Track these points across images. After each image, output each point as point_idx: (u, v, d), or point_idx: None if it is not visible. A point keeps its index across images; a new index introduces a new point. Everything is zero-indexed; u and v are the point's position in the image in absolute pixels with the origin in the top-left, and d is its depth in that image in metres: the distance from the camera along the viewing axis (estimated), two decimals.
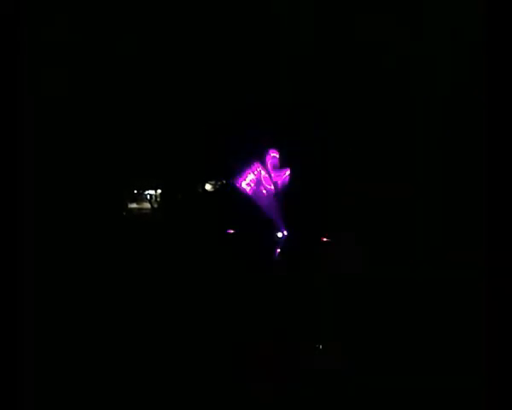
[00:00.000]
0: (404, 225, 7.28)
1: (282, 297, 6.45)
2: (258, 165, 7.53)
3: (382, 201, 7.54)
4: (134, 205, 8.37)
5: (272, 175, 7.66)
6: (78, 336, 5.42)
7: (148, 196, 8.41)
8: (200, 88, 7.70)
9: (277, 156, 7.71)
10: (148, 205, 8.29)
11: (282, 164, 7.80)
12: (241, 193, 7.56)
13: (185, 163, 8.13)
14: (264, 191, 7.60)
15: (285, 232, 7.51)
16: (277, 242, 7.48)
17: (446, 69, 7.26)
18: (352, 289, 6.43)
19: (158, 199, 8.44)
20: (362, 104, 7.65)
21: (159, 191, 8.42)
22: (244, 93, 7.67)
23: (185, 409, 4.63)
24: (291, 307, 6.25)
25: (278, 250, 7.49)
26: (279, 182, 7.73)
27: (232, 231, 7.70)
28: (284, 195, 7.71)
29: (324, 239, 7.38)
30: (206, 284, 6.58)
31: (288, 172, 7.76)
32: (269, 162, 7.68)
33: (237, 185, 7.49)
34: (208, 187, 8.33)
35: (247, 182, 7.48)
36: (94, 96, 7.21)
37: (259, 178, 7.54)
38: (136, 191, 8.40)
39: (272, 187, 7.67)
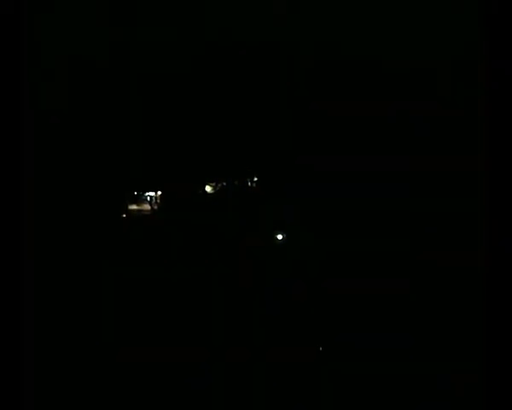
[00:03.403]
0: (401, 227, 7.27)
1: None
2: None
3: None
4: (134, 206, 8.40)
5: None
6: (76, 336, 5.43)
7: (149, 198, 8.44)
8: (201, 89, 7.74)
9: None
10: (148, 206, 8.32)
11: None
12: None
13: (185, 165, 8.17)
14: None
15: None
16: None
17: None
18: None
19: (158, 200, 8.47)
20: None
21: (159, 193, 8.45)
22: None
23: None
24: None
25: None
26: None
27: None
28: None
29: None
30: (205, 286, 6.61)
31: None
32: None
33: None
34: (208, 189, 8.35)
35: None
36: (95, 95, 7.24)
37: None
38: (136, 193, 8.43)
39: None
